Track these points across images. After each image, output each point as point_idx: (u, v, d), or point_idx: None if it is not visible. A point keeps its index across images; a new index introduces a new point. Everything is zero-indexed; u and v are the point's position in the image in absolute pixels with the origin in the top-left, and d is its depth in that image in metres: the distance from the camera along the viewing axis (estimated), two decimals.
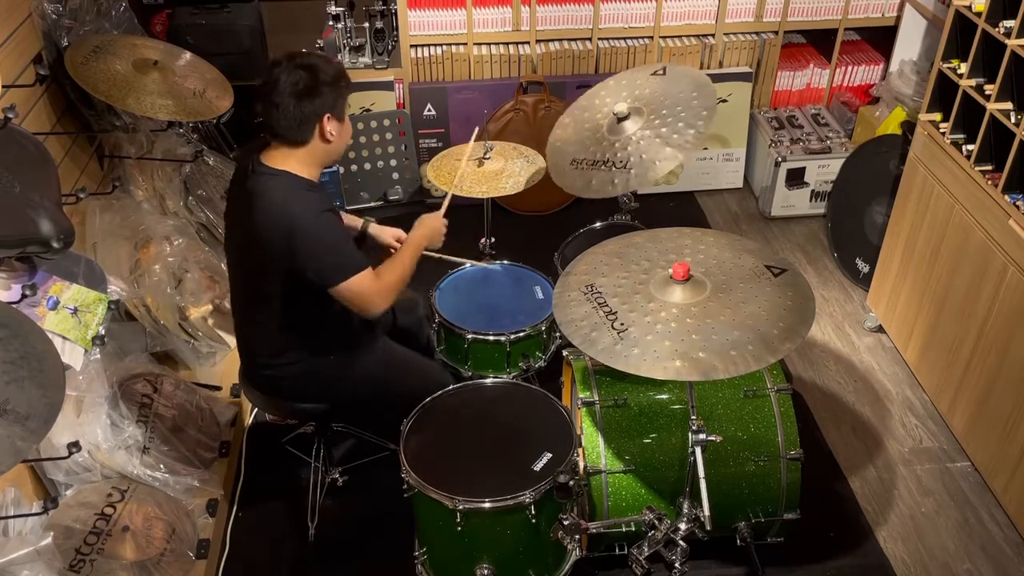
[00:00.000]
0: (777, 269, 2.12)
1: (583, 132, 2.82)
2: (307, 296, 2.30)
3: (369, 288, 2.29)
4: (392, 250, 2.68)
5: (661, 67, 2.88)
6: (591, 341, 1.98)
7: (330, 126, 2.26)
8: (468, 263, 3.05)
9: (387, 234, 2.72)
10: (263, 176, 2.28)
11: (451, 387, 2.52)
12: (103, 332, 2.46)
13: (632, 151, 2.65)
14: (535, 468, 2.26)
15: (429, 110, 4.09)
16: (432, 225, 2.59)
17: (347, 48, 4.02)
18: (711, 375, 1.86)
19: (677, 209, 4.26)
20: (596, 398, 2.46)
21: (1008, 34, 2.58)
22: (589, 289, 2.11)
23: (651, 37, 4.11)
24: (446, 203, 2.76)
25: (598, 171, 2.66)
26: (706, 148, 4.26)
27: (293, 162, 2.29)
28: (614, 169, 2.63)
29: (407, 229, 2.62)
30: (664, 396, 2.49)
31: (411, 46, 4.02)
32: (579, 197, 4.18)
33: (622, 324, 1.98)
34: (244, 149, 3.93)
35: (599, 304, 2.06)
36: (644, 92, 2.80)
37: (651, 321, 1.98)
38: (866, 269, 3.67)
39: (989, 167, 2.76)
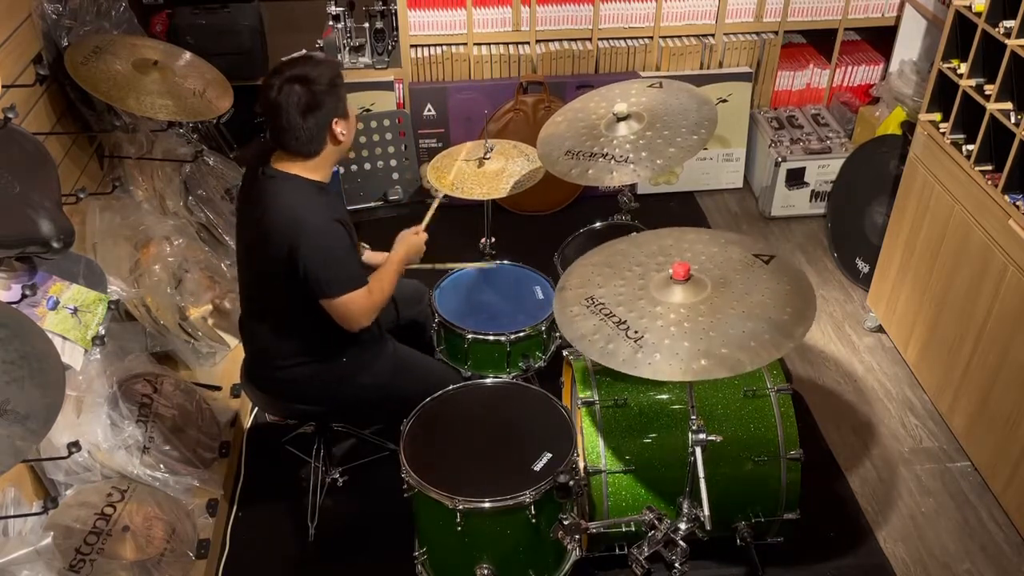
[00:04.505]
0: (766, 256, 2.12)
1: (579, 128, 2.82)
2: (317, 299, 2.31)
3: (361, 306, 2.31)
4: None
5: (658, 81, 2.89)
6: (610, 354, 1.92)
7: (339, 127, 2.30)
8: (460, 267, 3.03)
9: (380, 259, 2.66)
10: (273, 180, 2.30)
11: (451, 387, 2.52)
12: (103, 332, 2.47)
13: (631, 148, 2.65)
14: (535, 468, 2.26)
15: (429, 110, 4.09)
16: (412, 242, 2.59)
17: (347, 48, 4.02)
18: (738, 369, 1.85)
19: (677, 209, 4.25)
20: (596, 398, 2.46)
21: (1008, 34, 2.58)
22: (591, 301, 2.07)
23: (651, 37, 4.11)
24: (428, 217, 2.77)
25: (595, 162, 2.65)
26: (706, 148, 4.26)
27: (304, 167, 2.31)
28: (613, 162, 2.63)
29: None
30: (664, 396, 2.49)
31: (411, 46, 4.02)
32: (579, 198, 4.20)
33: (636, 332, 1.94)
34: (245, 149, 3.94)
35: (606, 315, 2.01)
36: (642, 100, 2.81)
37: (663, 325, 1.95)
38: (866, 269, 3.67)
39: (989, 167, 2.76)
